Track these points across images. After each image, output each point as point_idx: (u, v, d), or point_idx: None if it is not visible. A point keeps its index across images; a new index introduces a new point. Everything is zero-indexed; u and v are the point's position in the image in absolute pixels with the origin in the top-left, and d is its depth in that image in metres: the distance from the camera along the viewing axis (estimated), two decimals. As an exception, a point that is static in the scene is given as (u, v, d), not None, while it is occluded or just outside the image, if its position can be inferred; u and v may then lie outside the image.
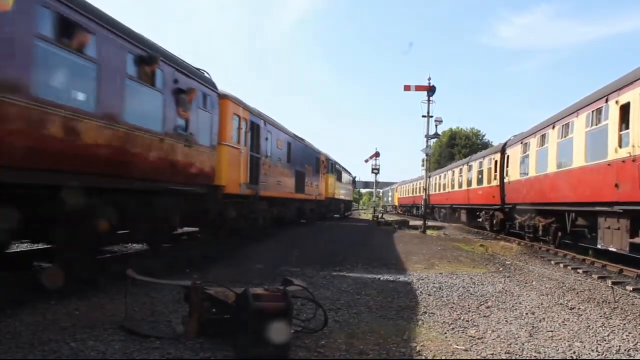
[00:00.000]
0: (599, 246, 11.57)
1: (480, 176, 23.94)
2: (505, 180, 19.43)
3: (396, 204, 67.11)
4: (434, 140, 37.82)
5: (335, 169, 33.73)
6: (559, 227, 14.43)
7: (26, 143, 5.70)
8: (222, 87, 12.19)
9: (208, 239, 12.52)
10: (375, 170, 52.82)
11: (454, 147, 69.31)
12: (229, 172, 12.41)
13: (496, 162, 21.10)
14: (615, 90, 10.36)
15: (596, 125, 11.34)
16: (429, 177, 37.98)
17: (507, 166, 19.40)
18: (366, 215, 53.79)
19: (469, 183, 26.08)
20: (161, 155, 8.89)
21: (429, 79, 23.69)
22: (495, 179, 21.07)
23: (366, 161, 53.64)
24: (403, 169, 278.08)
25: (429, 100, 24.00)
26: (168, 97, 9.13)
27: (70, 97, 6.65)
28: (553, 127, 14.20)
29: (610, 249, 10.67)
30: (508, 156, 19.56)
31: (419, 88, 24.01)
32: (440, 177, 35.58)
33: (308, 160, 23.60)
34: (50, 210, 6.40)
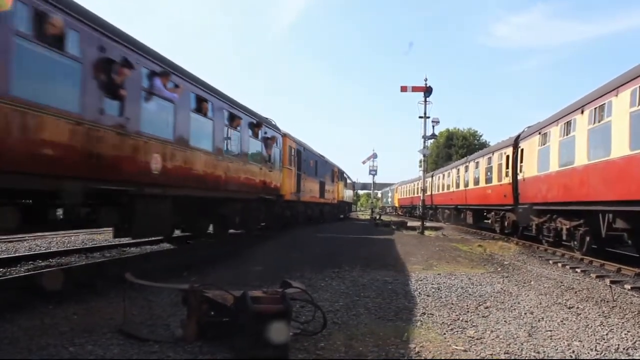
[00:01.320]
0: None
1: (489, 174, 21.95)
2: (519, 177, 17.33)
3: (396, 205, 65.28)
4: (431, 141, 37.70)
5: (342, 177, 40.42)
6: (587, 230, 12.34)
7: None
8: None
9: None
10: (373, 172, 52.95)
11: (451, 147, 69.43)
12: (287, 186, 18.71)
13: (508, 157, 18.98)
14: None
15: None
16: (432, 176, 36.98)
17: (521, 161, 17.22)
18: (364, 216, 53.86)
19: (476, 181, 24.13)
20: (260, 177, 15.22)
21: (426, 79, 23.78)
22: (507, 176, 18.93)
23: (364, 162, 53.81)
24: (400, 170, 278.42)
25: (425, 101, 24.07)
26: (263, 143, 15.50)
27: (230, 150, 12.65)
28: (582, 112, 11.91)
29: None
30: (522, 150, 17.26)
31: (415, 89, 24.08)
32: (443, 176, 33.59)
33: (327, 172, 29.85)
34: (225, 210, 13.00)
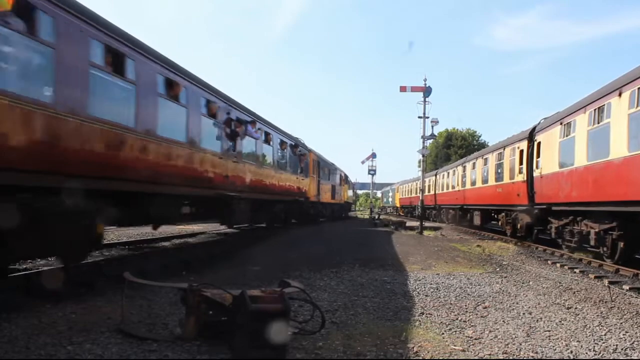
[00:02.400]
0: None
1: (499, 171, 20.03)
2: (535, 174, 15.51)
3: (397, 204, 62.70)
4: (430, 141, 37.55)
5: (347, 181, 46.78)
6: (622, 235, 10.68)
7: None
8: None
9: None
10: (372, 172, 52.96)
11: (450, 147, 69.49)
12: (311, 190, 24.90)
13: (522, 152, 17.16)
14: None
15: None
16: (435, 175, 35.82)
17: (538, 156, 15.46)
18: (363, 216, 53.90)
19: (485, 180, 22.29)
20: (296, 184, 21.26)
21: (425, 80, 23.81)
22: (520, 173, 17.16)
23: (363, 162, 53.82)
24: (399, 170, 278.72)
25: (424, 101, 24.10)
26: (298, 159, 21.61)
27: (281, 165, 18.76)
28: (620, 95, 10.19)
29: None
30: (539, 143, 15.46)
31: (414, 89, 24.13)
32: (448, 174, 31.54)
33: (336, 177, 35.80)
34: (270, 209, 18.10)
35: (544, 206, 14.76)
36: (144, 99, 8.81)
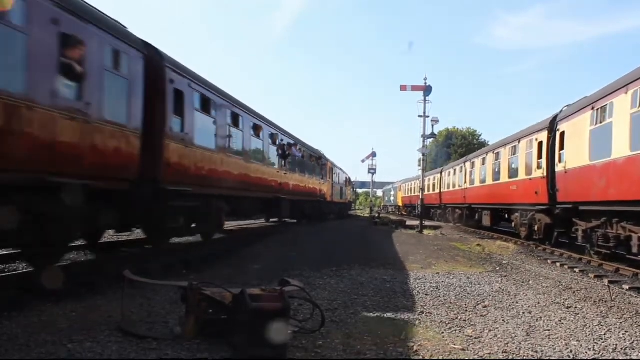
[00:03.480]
0: None
1: (513, 166, 18.24)
2: (558, 168, 13.75)
3: (399, 204, 60.80)
4: (431, 140, 37.34)
5: (350, 183, 52.62)
6: None
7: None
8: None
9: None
10: (372, 171, 52.97)
11: (451, 147, 69.47)
12: (328, 192, 31.81)
13: (540, 144, 15.45)
14: None
15: None
16: (441, 173, 34.41)
17: (561, 148, 13.70)
18: (363, 214, 53.90)
19: (496, 176, 20.36)
20: (319, 187, 28.57)
21: (425, 79, 23.80)
22: (539, 168, 15.46)
23: (363, 161, 53.85)
24: (399, 169, 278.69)
25: (425, 100, 24.08)
26: (320, 168, 28.66)
27: (312, 173, 26.85)
28: None
29: None
30: (562, 133, 13.67)
31: (415, 88, 24.12)
32: (454, 171, 29.67)
33: (343, 180, 41.77)
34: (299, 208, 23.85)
35: (569, 205, 12.86)
36: (247, 140, 15.21)
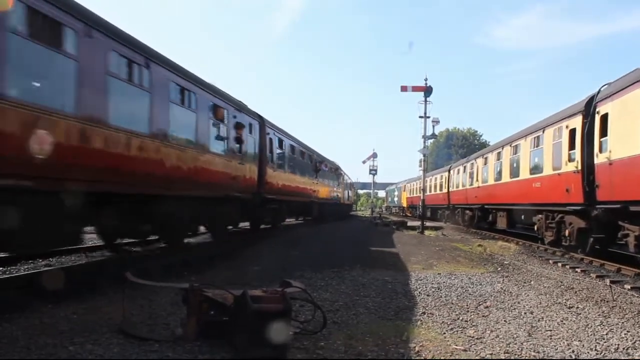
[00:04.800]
0: None
1: (536, 160, 15.61)
2: (599, 159, 11.19)
3: (404, 204, 57.44)
4: (431, 140, 37.19)
5: (353, 186, 59.00)
6: None
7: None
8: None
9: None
10: (373, 172, 53.03)
11: (451, 147, 69.51)
12: (343, 196, 42.97)
13: (572, 132, 12.85)
14: None
15: None
16: (449, 171, 32.00)
17: (603, 134, 11.14)
18: (363, 214, 53.99)
19: (515, 172, 17.69)
20: (337, 193, 37.68)
21: (426, 79, 23.81)
22: (570, 161, 12.82)
23: (364, 162, 53.98)
24: (400, 170, 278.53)
25: (425, 101, 24.09)
26: (336, 176, 36.86)
27: (335, 182, 36.30)
28: None
29: None
30: (604, 116, 11.17)
31: (415, 89, 24.12)
32: (464, 168, 26.91)
33: (347, 184, 47.21)
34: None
35: (616, 205, 10.40)
36: (302, 162, 23.07)
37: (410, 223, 28.77)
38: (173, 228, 10.59)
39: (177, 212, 10.00)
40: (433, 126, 27.50)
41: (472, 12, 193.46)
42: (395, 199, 67.72)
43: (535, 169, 15.68)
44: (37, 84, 6.61)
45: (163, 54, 9.57)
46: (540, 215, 15.61)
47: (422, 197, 26.66)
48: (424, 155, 26.69)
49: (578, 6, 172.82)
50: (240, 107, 14.17)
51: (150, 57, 8.91)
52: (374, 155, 53.44)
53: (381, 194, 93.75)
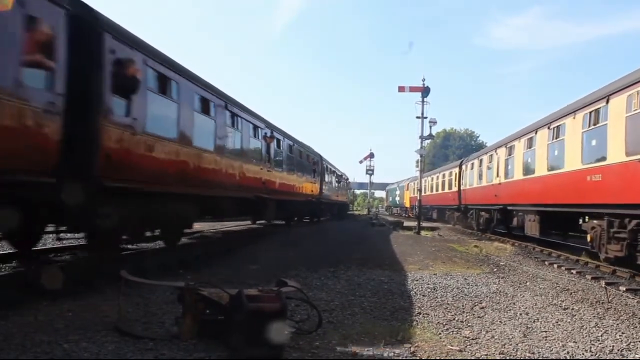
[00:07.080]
0: None
1: (592, 143, 11.30)
2: None
3: (406, 204, 53.60)
4: (429, 141, 37.05)
5: (350, 186, 60.90)
6: None
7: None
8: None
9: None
10: (370, 172, 53.07)
11: (448, 148, 69.64)
12: (346, 199, 51.69)
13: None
14: None
15: None
16: (459, 166, 27.69)
17: None
18: (360, 213, 54.11)
19: (555, 164, 13.51)
20: (341, 196, 43.33)
21: (423, 80, 23.84)
22: None
23: (360, 162, 54.03)
24: (397, 170, 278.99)
25: (423, 101, 24.11)
26: (343, 181, 43.66)
27: (340, 187, 42.14)
28: None
29: None
30: None
31: (413, 89, 24.13)
32: (480, 161, 22.82)
33: (346, 184, 48.90)
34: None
35: None
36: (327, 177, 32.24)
37: (406, 223, 28.81)
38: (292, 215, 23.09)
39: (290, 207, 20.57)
40: (430, 127, 27.51)
41: (470, 12, 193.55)
42: (397, 198, 63.59)
43: (589, 156, 11.42)
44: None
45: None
46: (596, 221, 11.33)
47: (418, 198, 26.70)
48: (421, 156, 26.73)
49: (576, 7, 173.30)
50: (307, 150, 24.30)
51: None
52: (371, 155, 53.48)
53: (378, 194, 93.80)
